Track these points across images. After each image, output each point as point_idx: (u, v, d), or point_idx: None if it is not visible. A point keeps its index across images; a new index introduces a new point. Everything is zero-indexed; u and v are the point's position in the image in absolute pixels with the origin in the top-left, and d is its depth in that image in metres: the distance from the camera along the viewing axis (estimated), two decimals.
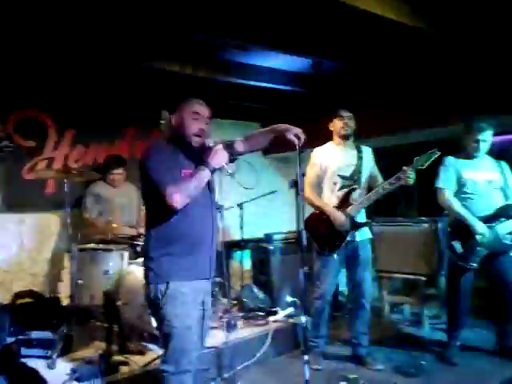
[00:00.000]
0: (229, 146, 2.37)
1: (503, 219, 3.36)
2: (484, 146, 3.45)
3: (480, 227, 3.35)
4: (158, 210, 2.25)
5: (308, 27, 3.61)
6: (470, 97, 4.36)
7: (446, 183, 3.53)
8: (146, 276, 2.32)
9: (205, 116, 2.38)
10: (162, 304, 2.24)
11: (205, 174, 2.25)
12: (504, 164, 3.56)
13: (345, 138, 3.58)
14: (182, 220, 2.26)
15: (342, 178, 3.53)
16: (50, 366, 3.21)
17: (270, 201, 5.33)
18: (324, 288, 3.53)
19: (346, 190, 3.49)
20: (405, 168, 3.21)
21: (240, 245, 4.98)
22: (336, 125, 3.58)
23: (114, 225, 3.96)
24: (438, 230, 4.15)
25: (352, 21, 3.37)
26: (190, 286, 2.28)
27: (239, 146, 2.48)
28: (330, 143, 3.66)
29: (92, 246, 3.88)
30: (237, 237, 5.07)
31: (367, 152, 3.65)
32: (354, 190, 3.47)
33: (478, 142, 3.43)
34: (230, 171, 2.29)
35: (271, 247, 4.75)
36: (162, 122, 2.95)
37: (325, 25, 3.57)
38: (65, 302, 4.09)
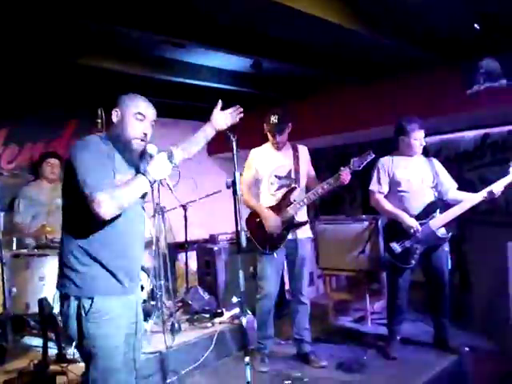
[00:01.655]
0: (169, 158, 2.14)
1: (434, 214, 3.50)
2: (417, 145, 3.57)
3: (409, 220, 3.47)
4: (80, 214, 1.94)
5: (247, 26, 3.62)
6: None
7: (376, 185, 3.64)
8: (63, 286, 2.01)
9: (150, 118, 2.13)
10: (83, 322, 1.95)
11: (143, 185, 1.97)
12: (435, 161, 3.71)
13: (277, 148, 3.59)
14: (109, 227, 1.99)
15: (279, 178, 3.56)
16: None
17: (215, 201, 5.31)
18: (268, 288, 3.55)
19: (284, 189, 3.53)
20: (342, 169, 3.28)
21: (185, 246, 4.93)
22: (269, 138, 3.58)
23: (48, 228, 3.81)
24: (379, 227, 4.28)
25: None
26: (119, 300, 2.03)
27: (178, 155, 2.25)
28: (266, 144, 3.67)
29: (26, 251, 3.72)
30: (182, 238, 5.03)
31: (303, 150, 3.69)
32: (293, 189, 3.51)
33: (409, 141, 3.55)
34: (171, 186, 2.09)
35: (216, 248, 4.74)
36: (99, 120, 2.80)
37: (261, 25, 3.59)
38: None
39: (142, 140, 2.10)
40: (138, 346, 2.19)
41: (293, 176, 3.55)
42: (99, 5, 3.05)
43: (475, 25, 3.53)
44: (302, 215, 3.58)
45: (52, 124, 4.92)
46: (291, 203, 3.48)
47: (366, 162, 3.27)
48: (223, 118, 2.40)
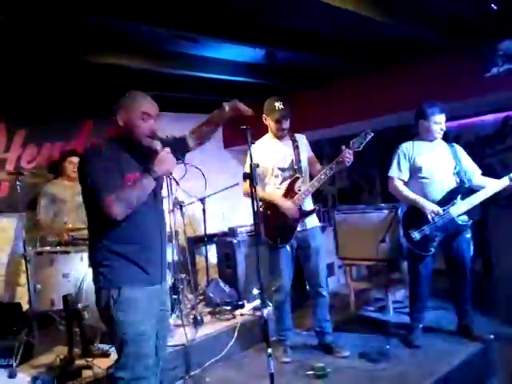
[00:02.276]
0: (179, 144, 2.27)
1: (455, 201, 3.45)
2: (438, 130, 3.53)
3: (430, 205, 3.43)
4: (99, 216, 2.10)
5: (259, 17, 3.60)
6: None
7: (396, 172, 3.60)
8: (96, 281, 2.20)
9: (154, 115, 2.23)
10: (113, 311, 2.13)
11: (149, 183, 2.10)
12: (457, 147, 3.65)
13: (281, 136, 3.59)
14: (129, 222, 2.12)
15: (282, 170, 3.55)
16: (11, 375, 3.13)
17: (233, 193, 5.33)
18: (281, 280, 3.55)
19: (288, 181, 3.52)
20: (343, 148, 3.24)
21: (204, 240, 4.96)
22: (271, 125, 3.56)
23: (70, 225, 3.88)
24: (398, 215, 4.24)
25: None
26: (144, 291, 2.19)
27: (190, 142, 2.45)
28: (265, 137, 3.65)
29: (49, 248, 3.79)
30: (201, 232, 5.07)
31: (302, 139, 3.68)
32: (297, 179, 3.51)
33: (429, 125, 3.50)
34: (176, 180, 2.18)
35: (235, 241, 4.77)
36: (114, 118, 2.81)
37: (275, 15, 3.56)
38: (24, 307, 3.99)
39: (150, 137, 2.19)
40: (163, 333, 2.36)
41: (295, 166, 3.54)
42: (110, 0, 3.07)
43: (492, 5, 3.45)
44: (308, 204, 3.56)
45: (69, 124, 4.98)
46: (296, 193, 3.47)
47: (365, 142, 3.23)
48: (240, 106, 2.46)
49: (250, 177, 2.29)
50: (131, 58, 4.04)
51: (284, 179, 3.54)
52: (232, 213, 6.10)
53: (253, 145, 3.51)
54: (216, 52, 4.34)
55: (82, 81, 4.54)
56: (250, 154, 2.35)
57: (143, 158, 2.21)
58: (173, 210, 4.31)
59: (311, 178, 3.55)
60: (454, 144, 3.67)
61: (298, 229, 3.49)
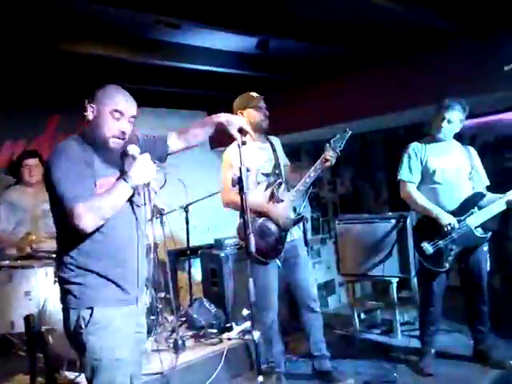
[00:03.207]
0: (159, 144, 2.26)
1: (473, 210, 3.49)
2: (451, 128, 3.57)
3: (446, 217, 3.47)
4: (68, 226, 2.05)
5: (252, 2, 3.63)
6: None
7: (406, 175, 3.64)
8: (64, 300, 2.17)
9: (129, 114, 2.18)
10: (84, 334, 2.09)
11: (125, 191, 2.07)
12: (472, 150, 3.70)
13: (263, 131, 3.67)
14: (103, 234, 2.11)
15: (266, 175, 3.62)
16: None
17: (219, 200, 5.34)
18: (270, 299, 3.58)
19: (271, 187, 3.57)
20: (326, 146, 3.37)
21: (187, 253, 4.96)
22: (253, 116, 3.60)
23: (33, 237, 3.86)
24: (407, 226, 4.28)
25: None
26: (119, 311, 2.16)
27: (173, 143, 2.43)
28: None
29: (8, 263, 3.76)
30: (184, 244, 5.07)
31: (277, 142, 3.81)
32: (279, 184, 3.57)
33: (442, 121, 3.55)
34: (155, 190, 2.12)
35: (223, 254, 4.75)
36: (86, 113, 2.79)
37: None
38: None
39: (119, 138, 2.16)
40: (137, 359, 2.33)
41: (277, 171, 3.63)
42: None
43: None
44: (295, 211, 3.62)
45: (33, 119, 4.95)
46: (281, 200, 3.52)
47: (344, 140, 3.36)
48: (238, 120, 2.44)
49: (240, 183, 2.30)
50: (105, 47, 4.03)
51: (268, 185, 3.60)
52: (219, 222, 6.10)
53: (228, 149, 3.63)
54: (200, 40, 4.36)
55: (49, 71, 4.51)
56: (241, 157, 2.36)
57: (117, 161, 2.19)
58: (151, 220, 4.33)
59: (287, 183, 3.65)
60: (469, 146, 3.72)
61: (288, 239, 3.53)
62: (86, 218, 1.98)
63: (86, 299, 2.12)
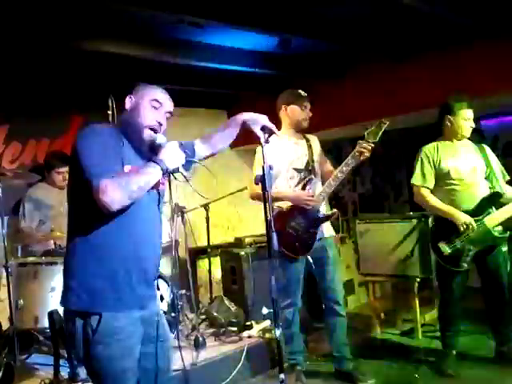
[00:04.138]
0: (186, 148, 2.18)
1: (490, 210, 3.46)
2: (466, 127, 3.54)
3: (463, 216, 3.44)
4: (86, 212, 1.95)
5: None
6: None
7: (420, 179, 3.62)
8: (67, 301, 2.00)
9: (166, 108, 2.17)
10: (91, 341, 1.94)
11: (155, 173, 1.96)
12: (486, 147, 3.66)
13: (301, 129, 3.69)
14: (117, 231, 1.99)
15: (298, 171, 3.62)
16: None
17: (241, 199, 5.36)
18: (294, 296, 3.59)
19: (302, 183, 3.58)
20: (359, 142, 3.32)
21: (207, 251, 4.99)
22: (296, 114, 3.64)
23: (58, 233, 3.92)
24: (429, 225, 4.25)
25: None
26: (129, 318, 2.01)
27: (200, 149, 2.36)
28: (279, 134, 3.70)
29: (33, 259, 3.83)
30: (204, 242, 5.09)
31: (314, 140, 3.80)
32: (310, 180, 3.57)
33: (455, 121, 3.52)
34: (185, 175, 2.08)
35: (243, 253, 4.78)
36: (109, 112, 2.82)
37: None
38: (4, 325, 4.03)
39: (154, 130, 2.13)
40: (161, 353, 2.18)
41: (309, 167, 3.63)
42: None
43: None
44: (326, 208, 3.63)
45: (56, 119, 5.01)
46: (311, 195, 3.52)
47: (381, 132, 3.29)
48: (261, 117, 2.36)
49: (263, 181, 2.28)
50: (128, 46, 4.06)
51: (300, 180, 3.60)
52: (238, 221, 6.12)
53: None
54: (223, 39, 4.38)
55: (73, 71, 4.57)
56: (264, 155, 2.34)
57: (146, 154, 2.12)
58: (172, 217, 4.37)
59: (322, 180, 3.63)
60: (483, 144, 3.68)
61: (318, 236, 3.52)
62: (113, 192, 1.83)
63: (94, 303, 1.96)
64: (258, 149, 3.65)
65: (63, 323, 3.25)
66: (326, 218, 3.57)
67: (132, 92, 2.19)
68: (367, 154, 3.30)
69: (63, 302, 2.03)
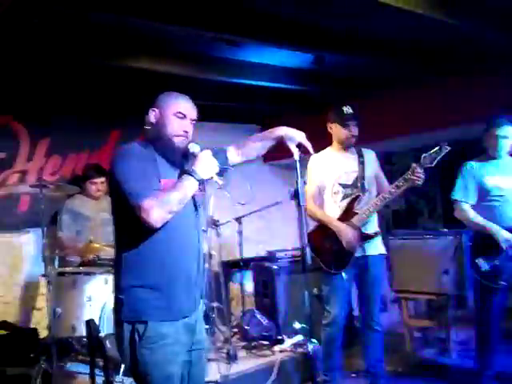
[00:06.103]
0: (219, 155, 2.24)
1: None
2: (505, 144, 3.50)
3: (504, 233, 3.39)
4: (130, 229, 2.06)
5: (307, 18, 3.67)
6: None
7: (461, 194, 3.58)
8: (117, 311, 2.12)
9: (191, 117, 2.22)
10: (138, 347, 2.04)
11: (191, 185, 2.05)
12: None
13: (348, 146, 3.65)
14: (160, 243, 2.08)
15: (344, 186, 3.59)
16: None
17: (273, 214, 5.38)
18: (334, 312, 3.56)
19: (349, 199, 3.55)
20: (414, 165, 3.26)
21: (240, 264, 5.01)
22: (338, 132, 3.61)
23: (96, 245, 4.00)
24: (464, 242, 4.19)
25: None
26: (172, 326, 2.10)
27: (232, 156, 2.42)
28: (328, 149, 3.72)
29: (72, 269, 3.92)
30: (236, 255, 5.13)
31: (370, 155, 3.73)
32: (357, 197, 3.53)
33: (497, 138, 3.48)
34: (220, 183, 2.14)
35: (275, 267, 4.79)
36: (147, 127, 2.86)
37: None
38: (42, 333, 4.12)
39: (182, 137, 2.18)
40: (197, 360, 2.26)
41: (358, 184, 3.57)
42: (144, 1, 3.19)
43: None
44: (371, 227, 3.58)
45: (95, 133, 5.15)
46: (356, 213, 3.49)
47: (440, 157, 3.24)
48: (298, 134, 2.36)
49: (297, 197, 2.30)
50: (166, 63, 4.18)
51: (345, 196, 3.57)
52: (271, 235, 6.13)
53: (312, 157, 3.59)
54: (258, 57, 4.44)
55: (111, 87, 4.71)
56: (298, 171, 2.36)
57: (179, 162, 2.20)
58: (206, 230, 4.41)
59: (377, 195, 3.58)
60: None
61: (358, 254, 3.50)
62: (155, 212, 1.95)
63: (140, 312, 2.07)
64: (309, 162, 3.67)
65: (98, 332, 3.39)
66: (368, 237, 3.54)
67: (155, 105, 2.24)
68: (419, 181, 3.26)
69: (114, 312, 2.16)
